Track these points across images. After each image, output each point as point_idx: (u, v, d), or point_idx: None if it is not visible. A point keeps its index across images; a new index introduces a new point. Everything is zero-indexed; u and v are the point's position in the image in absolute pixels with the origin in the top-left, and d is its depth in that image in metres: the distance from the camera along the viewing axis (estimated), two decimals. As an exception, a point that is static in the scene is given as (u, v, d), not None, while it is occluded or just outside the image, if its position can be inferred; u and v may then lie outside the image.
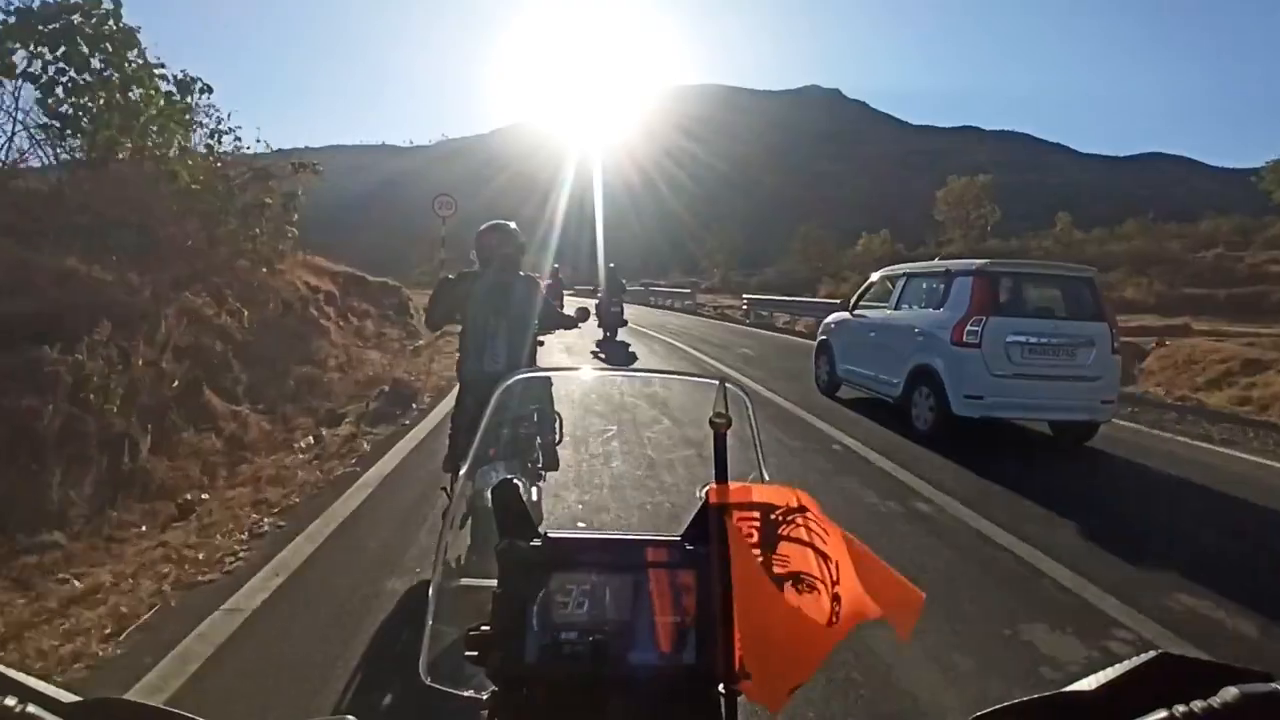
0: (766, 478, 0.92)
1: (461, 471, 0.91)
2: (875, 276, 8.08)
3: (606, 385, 7.42)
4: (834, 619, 0.74)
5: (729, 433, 0.79)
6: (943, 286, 6.72)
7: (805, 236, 63.41)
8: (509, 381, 1.05)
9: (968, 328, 6.25)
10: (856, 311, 8.09)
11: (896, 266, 7.89)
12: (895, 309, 7.33)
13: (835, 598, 0.75)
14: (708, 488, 0.79)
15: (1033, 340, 6.24)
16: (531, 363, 3.84)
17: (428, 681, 0.83)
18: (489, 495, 0.85)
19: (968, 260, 6.83)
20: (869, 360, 7.57)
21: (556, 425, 3.26)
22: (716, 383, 0.84)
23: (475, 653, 0.82)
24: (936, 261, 7.40)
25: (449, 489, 3.50)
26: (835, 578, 0.76)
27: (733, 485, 0.78)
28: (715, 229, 70.36)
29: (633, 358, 12.76)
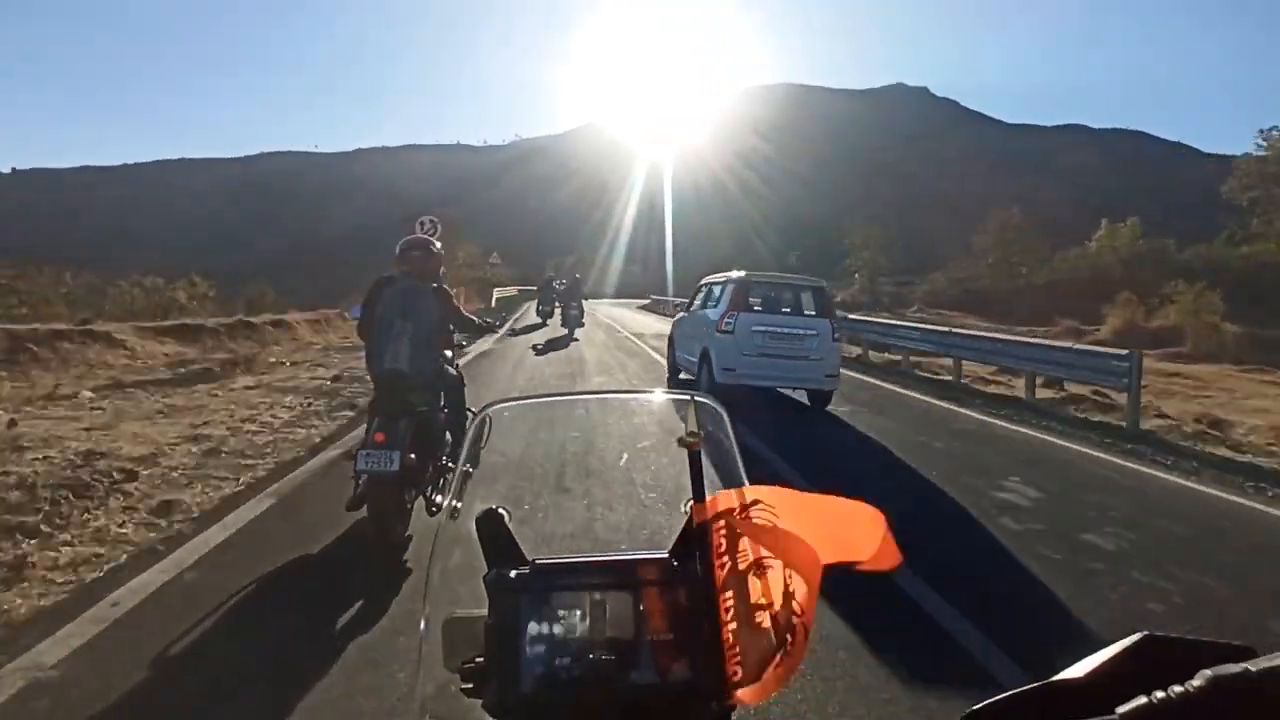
0: (747, 485, 0.94)
1: (445, 504, 1.00)
2: (702, 283, 10.99)
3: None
4: (797, 594, 0.75)
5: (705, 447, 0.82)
6: (720, 290, 9.66)
7: (1004, 225, 45.70)
8: (484, 413, 1.10)
9: (725, 320, 9.18)
10: (688, 310, 11.04)
11: (714, 275, 10.78)
12: (702, 308, 10.27)
13: (790, 574, 0.77)
14: (692, 502, 0.84)
15: (771, 330, 9.11)
16: (438, 362, 4.39)
17: (425, 717, 0.88)
18: (474, 524, 0.90)
19: (737, 272, 9.74)
20: (686, 347, 10.54)
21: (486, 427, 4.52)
22: (688, 398, 0.91)
23: (470, 685, 0.85)
24: (727, 273, 10.24)
25: (357, 480, 4.00)
26: (787, 554, 0.77)
27: (710, 498, 0.83)
28: (858, 226, 53.29)
29: (575, 342, 16.30)
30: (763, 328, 9.12)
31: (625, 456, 5.43)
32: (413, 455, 3.92)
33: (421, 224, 14.03)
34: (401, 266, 4.45)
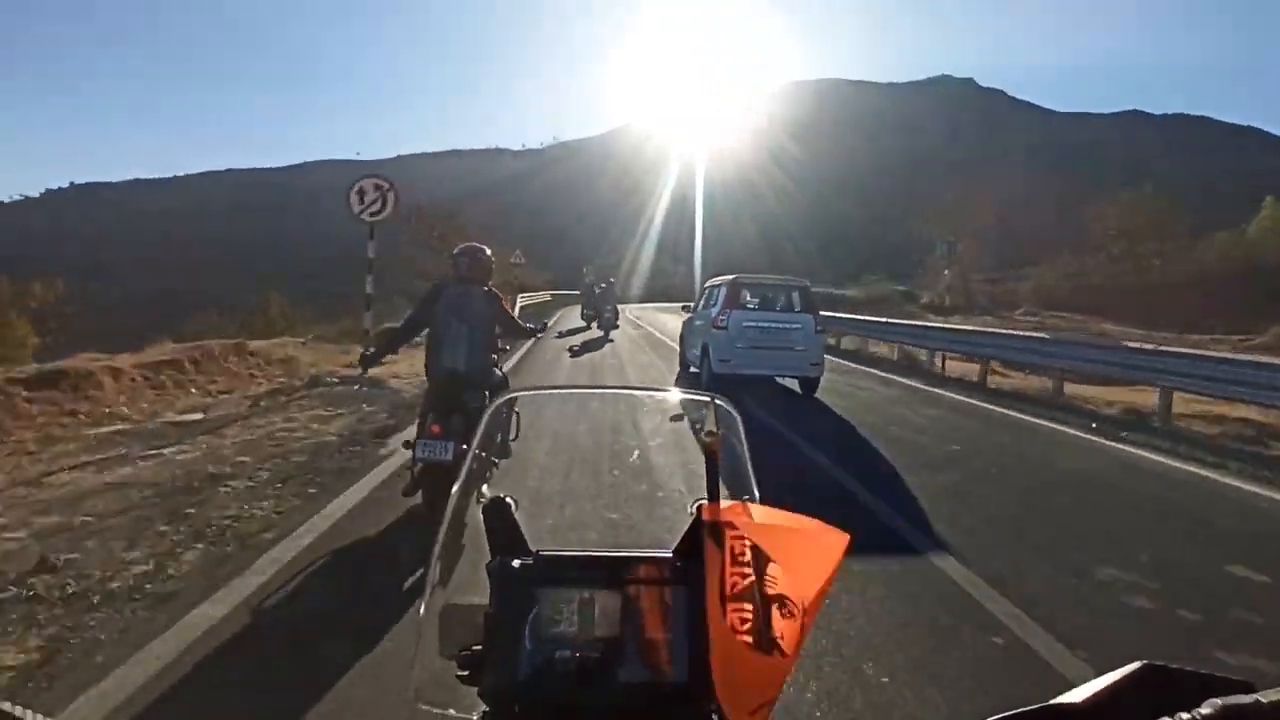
0: (756, 495, 0.97)
1: (454, 490, 1.02)
2: (706, 285, 12.35)
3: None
4: (798, 643, 0.77)
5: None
6: (718, 291, 11.05)
7: (1130, 208, 36.92)
8: (497, 403, 1.21)
9: (720, 318, 10.54)
10: (694, 311, 12.42)
11: (716, 278, 12.14)
12: (705, 308, 11.65)
13: (803, 625, 0.78)
14: (700, 503, 0.85)
15: (760, 325, 10.45)
16: (490, 362, 4.79)
17: (418, 704, 0.89)
18: (479, 513, 0.93)
19: (730, 275, 11.10)
20: (691, 343, 11.94)
21: (513, 420, 3.53)
22: (708, 399, 0.95)
23: (466, 673, 0.88)
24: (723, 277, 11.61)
25: (412, 469, 4.41)
26: (805, 603, 0.79)
27: (725, 504, 0.83)
28: (941, 212, 42.81)
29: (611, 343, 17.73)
30: (753, 323, 10.48)
31: (636, 453, 5.47)
32: (464, 446, 4.04)
33: (361, 192, 10.95)
34: (453, 272, 4.90)
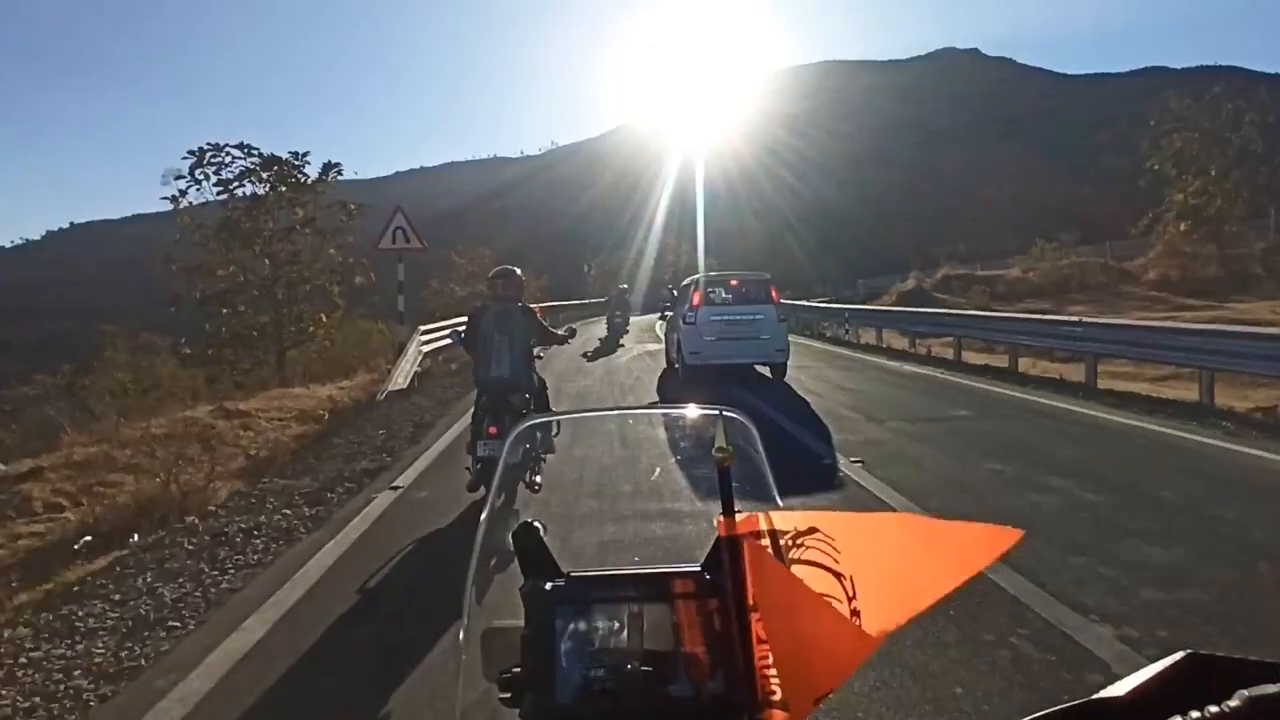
0: (780, 504, 1.00)
1: (483, 516, 1.08)
2: (682, 284, 13.77)
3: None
4: (856, 635, 0.79)
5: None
6: (689, 289, 12.47)
7: None
8: (520, 428, 1.27)
9: (688, 313, 11.94)
10: (674, 310, 13.83)
11: (687, 279, 13.55)
12: (680, 306, 13.04)
13: (855, 613, 0.80)
14: (720, 517, 0.89)
15: (726, 318, 11.83)
16: (529, 369, 5.48)
17: None
18: (510, 537, 0.98)
19: (699, 274, 12.50)
20: (671, 340, 13.35)
21: (552, 422, 3.73)
22: (717, 413, 0.96)
23: (508, 695, 0.91)
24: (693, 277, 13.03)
25: (471, 467, 5.08)
26: (851, 593, 0.81)
27: (743, 515, 0.88)
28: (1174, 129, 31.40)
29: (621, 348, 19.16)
30: (719, 317, 11.86)
31: (657, 470, 5.69)
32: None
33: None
34: (491, 292, 5.70)
